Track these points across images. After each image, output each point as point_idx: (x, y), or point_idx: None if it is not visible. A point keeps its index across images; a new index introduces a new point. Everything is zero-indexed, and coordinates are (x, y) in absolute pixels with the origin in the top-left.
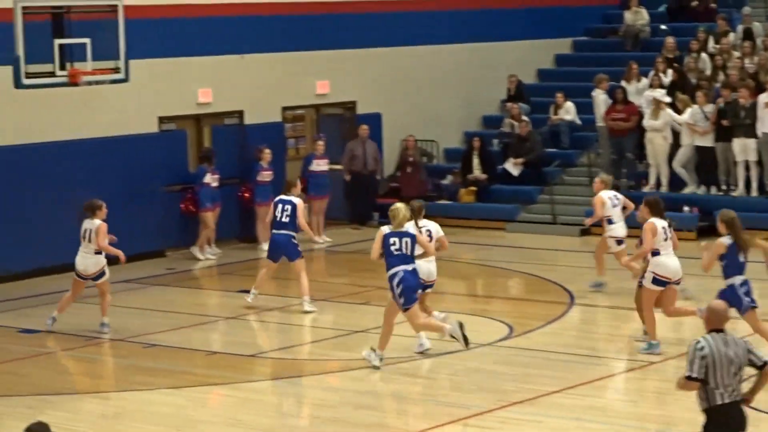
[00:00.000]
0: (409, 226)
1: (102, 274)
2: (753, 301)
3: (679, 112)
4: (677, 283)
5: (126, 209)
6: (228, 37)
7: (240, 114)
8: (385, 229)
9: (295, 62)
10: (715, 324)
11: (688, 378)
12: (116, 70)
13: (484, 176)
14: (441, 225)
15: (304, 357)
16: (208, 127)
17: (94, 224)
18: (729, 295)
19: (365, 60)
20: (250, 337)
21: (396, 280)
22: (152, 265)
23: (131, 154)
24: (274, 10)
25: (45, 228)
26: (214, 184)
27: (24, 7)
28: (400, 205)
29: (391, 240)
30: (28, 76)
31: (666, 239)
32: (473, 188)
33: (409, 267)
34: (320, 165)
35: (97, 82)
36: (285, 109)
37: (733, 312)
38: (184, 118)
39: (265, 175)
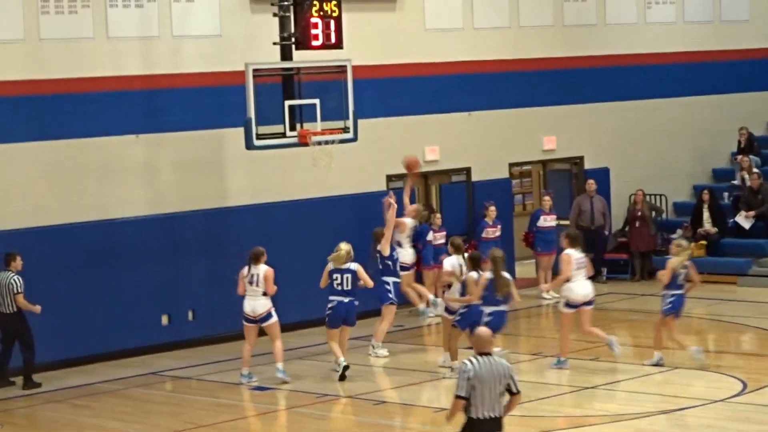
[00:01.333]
0: (351, 264)
1: (269, 315)
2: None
3: None
4: (588, 304)
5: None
6: (454, 95)
7: (467, 171)
8: (330, 265)
9: (521, 118)
10: (480, 348)
11: (457, 397)
12: (345, 129)
13: (714, 230)
14: None
15: (529, 414)
16: (435, 184)
17: (260, 269)
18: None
19: (592, 114)
20: None
21: (329, 305)
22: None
23: (360, 211)
24: (500, 68)
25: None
26: (439, 241)
27: (255, 70)
28: (342, 245)
29: (334, 276)
30: (259, 137)
31: (578, 268)
32: (704, 242)
33: (346, 299)
34: (548, 221)
35: (326, 142)
36: (512, 165)
37: None
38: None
39: (490, 232)
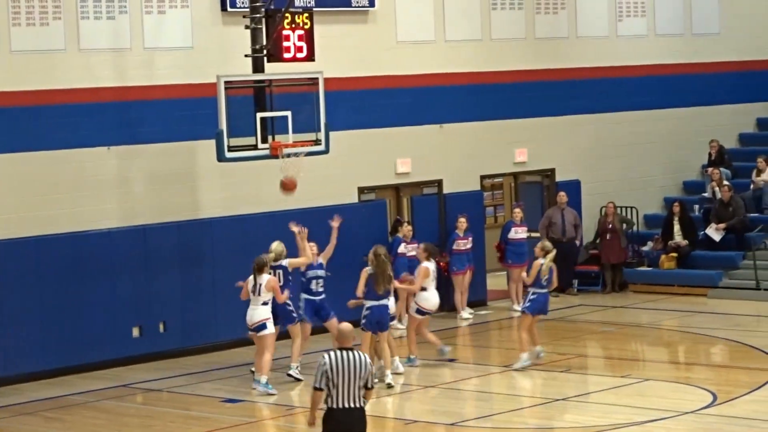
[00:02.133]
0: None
1: (263, 326)
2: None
3: None
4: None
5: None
6: (426, 108)
7: (439, 183)
8: None
9: (493, 130)
10: (341, 342)
11: (314, 388)
12: (317, 141)
13: (685, 242)
14: (642, 292)
15: (502, 426)
16: (407, 197)
17: (263, 279)
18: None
19: (564, 127)
20: (448, 406)
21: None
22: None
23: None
24: (472, 80)
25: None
26: (411, 253)
27: (227, 82)
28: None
29: None
30: (231, 149)
31: (433, 279)
32: (674, 254)
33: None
34: (519, 233)
35: (298, 154)
36: (483, 177)
37: None
38: (383, 188)
39: (461, 244)
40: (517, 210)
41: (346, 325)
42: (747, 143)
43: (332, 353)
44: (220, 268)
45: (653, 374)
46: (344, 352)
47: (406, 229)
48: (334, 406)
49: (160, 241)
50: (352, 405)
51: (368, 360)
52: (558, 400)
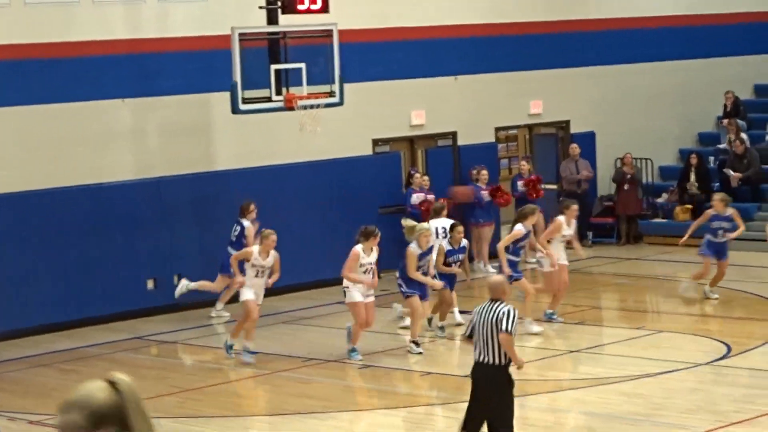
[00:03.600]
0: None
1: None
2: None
3: None
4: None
5: (341, 231)
6: (441, 59)
7: (453, 135)
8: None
9: (508, 83)
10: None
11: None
12: (331, 94)
13: (700, 194)
14: (656, 243)
15: (520, 377)
16: (421, 149)
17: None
18: None
19: (579, 79)
20: (464, 359)
21: None
22: None
23: (346, 176)
24: (487, 32)
25: None
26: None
27: (241, 34)
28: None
29: None
30: (245, 101)
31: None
32: (689, 206)
33: None
34: (522, 187)
35: (312, 107)
36: (498, 129)
37: None
38: (397, 140)
39: (484, 195)
40: (524, 163)
41: (497, 278)
42: (762, 94)
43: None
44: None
45: (667, 326)
46: (489, 304)
47: (422, 179)
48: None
49: (174, 193)
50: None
51: (500, 312)
52: (572, 351)
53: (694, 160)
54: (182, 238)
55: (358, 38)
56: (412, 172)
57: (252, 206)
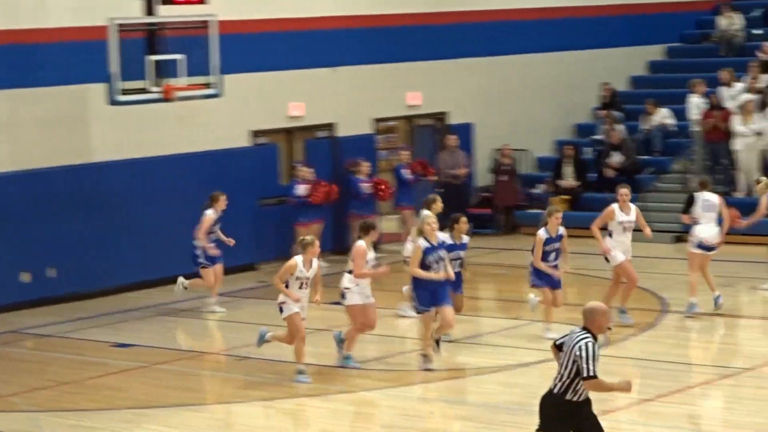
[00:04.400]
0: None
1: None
2: None
3: None
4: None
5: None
6: (320, 51)
7: (332, 127)
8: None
9: (386, 74)
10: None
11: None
12: (209, 85)
13: (576, 184)
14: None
15: (398, 368)
16: (300, 141)
17: None
18: None
19: (457, 70)
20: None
21: None
22: (245, 278)
23: (224, 168)
24: (366, 23)
25: (138, 243)
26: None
27: (119, 25)
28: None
29: None
30: (123, 93)
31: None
32: (565, 196)
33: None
34: (407, 175)
35: (190, 98)
36: (377, 120)
37: None
38: (276, 131)
39: (366, 188)
40: (405, 153)
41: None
42: (639, 86)
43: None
44: (113, 212)
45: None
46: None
47: (306, 171)
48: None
49: (51, 185)
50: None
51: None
52: (450, 341)
53: (569, 150)
54: (59, 230)
55: (236, 29)
56: (296, 164)
57: (223, 198)
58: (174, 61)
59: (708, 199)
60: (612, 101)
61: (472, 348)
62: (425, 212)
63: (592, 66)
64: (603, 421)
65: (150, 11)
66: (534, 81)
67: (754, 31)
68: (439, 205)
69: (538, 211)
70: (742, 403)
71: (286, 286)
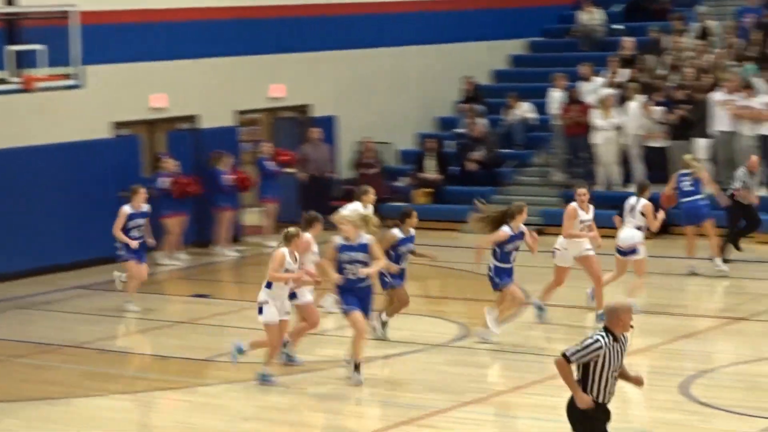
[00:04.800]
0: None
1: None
2: None
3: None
4: None
5: (79, 214)
6: (182, 42)
7: (194, 119)
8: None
9: (249, 66)
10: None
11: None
12: (70, 76)
13: (438, 177)
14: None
15: (258, 360)
16: (162, 132)
17: None
18: None
19: (320, 63)
20: (204, 342)
21: None
22: (105, 270)
23: (85, 159)
24: (228, 15)
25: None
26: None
27: None
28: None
29: None
30: None
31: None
32: (427, 190)
33: None
34: (271, 166)
35: (51, 89)
36: (240, 113)
37: None
38: (138, 123)
39: (228, 180)
40: (267, 145)
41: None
42: (500, 80)
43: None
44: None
45: (404, 308)
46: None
47: (171, 163)
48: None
49: None
50: None
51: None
52: (314, 335)
53: (431, 144)
54: None
55: (98, 20)
56: (161, 156)
57: (142, 191)
58: (34, 51)
59: (633, 204)
60: (474, 95)
61: (333, 341)
62: (352, 207)
63: (455, 59)
64: (461, 413)
65: (10, 1)
66: (397, 74)
67: (615, 26)
68: (371, 197)
69: (402, 204)
70: None
71: (270, 285)
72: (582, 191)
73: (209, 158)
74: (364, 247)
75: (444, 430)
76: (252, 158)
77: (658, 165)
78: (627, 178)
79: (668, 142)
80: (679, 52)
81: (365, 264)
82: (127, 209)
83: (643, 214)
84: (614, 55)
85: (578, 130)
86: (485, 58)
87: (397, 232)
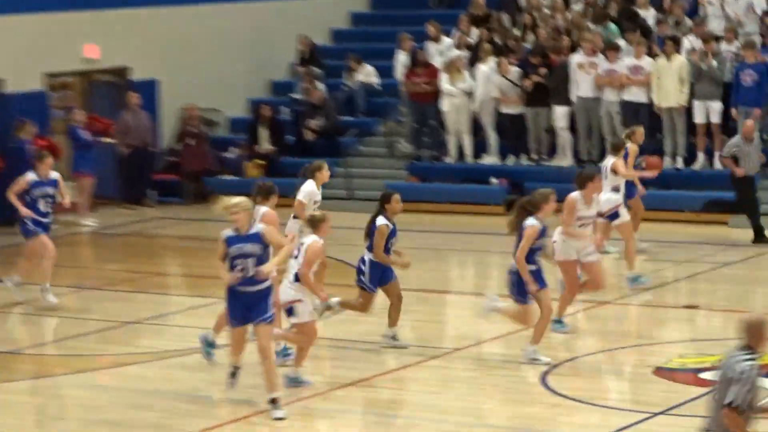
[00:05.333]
0: None
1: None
2: None
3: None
4: None
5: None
6: None
7: None
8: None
9: (58, 24)
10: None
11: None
12: None
13: (272, 148)
14: None
15: (68, 353)
16: None
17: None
18: None
19: (138, 21)
20: (6, 332)
21: None
22: None
23: None
24: None
25: None
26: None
27: None
28: None
29: None
30: None
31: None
32: (261, 161)
33: None
34: (85, 135)
35: None
36: (49, 75)
37: None
38: None
39: (32, 150)
40: (81, 112)
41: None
42: (340, 40)
43: None
44: None
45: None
46: None
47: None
48: None
49: None
50: None
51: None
52: (131, 323)
53: (265, 111)
54: None
55: None
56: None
57: (48, 160)
58: None
59: (606, 166)
60: (311, 56)
61: (156, 329)
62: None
63: (289, 17)
64: (296, 408)
65: None
66: (225, 33)
67: None
68: (325, 174)
69: (231, 177)
70: (448, 386)
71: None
72: (597, 178)
73: (14, 127)
74: (256, 238)
75: (281, 425)
76: (64, 127)
77: (515, 133)
78: (482, 148)
79: (525, 109)
80: (537, 11)
81: (260, 260)
82: (30, 175)
83: (614, 171)
84: (465, 13)
85: (426, 97)
86: (323, 15)
87: (386, 222)
